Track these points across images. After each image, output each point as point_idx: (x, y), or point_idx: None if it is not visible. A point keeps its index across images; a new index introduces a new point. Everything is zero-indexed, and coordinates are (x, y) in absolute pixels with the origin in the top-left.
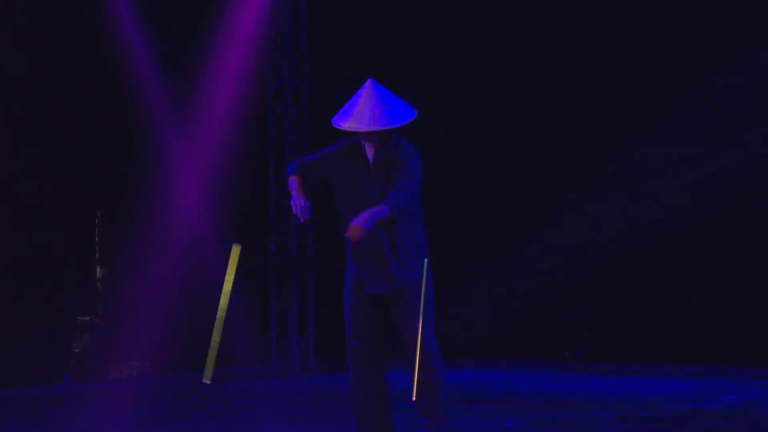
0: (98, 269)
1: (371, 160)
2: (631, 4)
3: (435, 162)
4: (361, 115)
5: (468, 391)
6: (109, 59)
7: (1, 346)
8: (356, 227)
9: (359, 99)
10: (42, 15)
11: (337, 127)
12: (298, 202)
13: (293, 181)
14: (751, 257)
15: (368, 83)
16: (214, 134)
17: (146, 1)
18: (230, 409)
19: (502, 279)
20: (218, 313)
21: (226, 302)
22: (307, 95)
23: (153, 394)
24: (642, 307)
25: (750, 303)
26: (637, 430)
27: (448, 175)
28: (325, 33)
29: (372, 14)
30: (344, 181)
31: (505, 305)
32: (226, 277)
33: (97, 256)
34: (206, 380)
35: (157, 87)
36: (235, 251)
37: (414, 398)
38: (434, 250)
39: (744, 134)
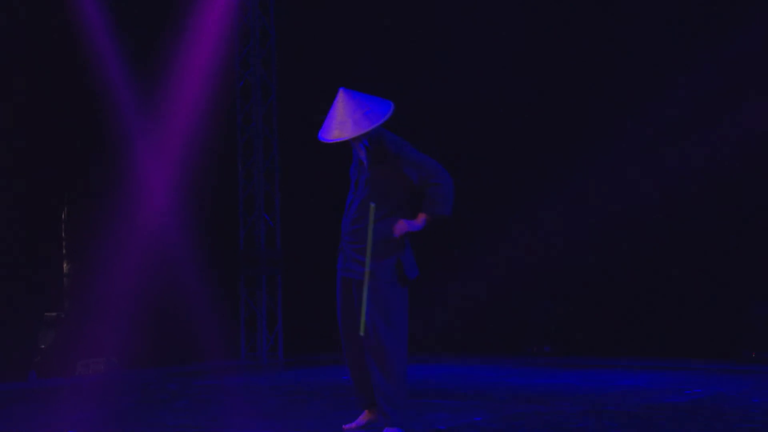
0: (65, 265)
1: (366, 164)
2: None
3: None
4: (343, 124)
5: (436, 386)
6: (75, 53)
7: None
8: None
9: (336, 110)
10: (5, 9)
11: (324, 141)
12: None
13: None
14: (719, 251)
15: (340, 93)
16: (182, 129)
17: None
18: (198, 404)
19: (469, 275)
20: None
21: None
22: (276, 91)
23: (120, 390)
24: (608, 302)
25: (716, 298)
26: (603, 423)
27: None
28: (294, 28)
29: (342, 8)
30: (353, 178)
31: (472, 301)
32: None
33: (64, 251)
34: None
35: (124, 82)
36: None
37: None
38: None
39: (710, 129)
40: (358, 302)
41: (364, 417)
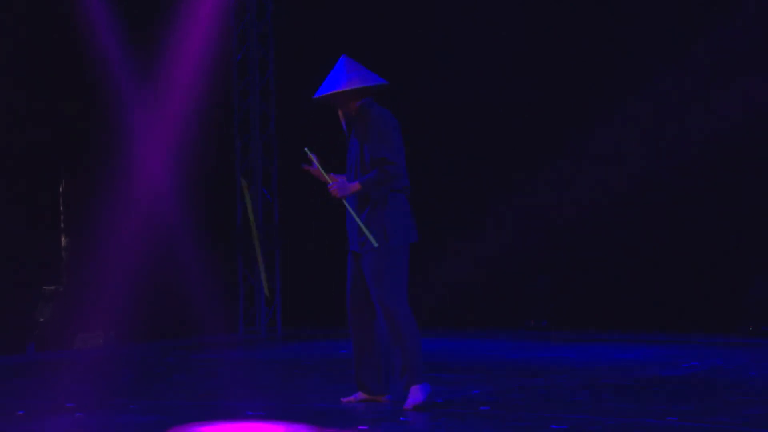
0: (63, 239)
1: (344, 128)
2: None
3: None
4: (337, 81)
5: (434, 360)
6: (73, 30)
7: None
8: (334, 190)
9: (334, 71)
10: None
11: (316, 97)
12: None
13: None
14: (718, 225)
15: (341, 58)
16: (180, 104)
17: None
18: (196, 378)
19: (467, 247)
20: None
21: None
22: (273, 65)
23: (118, 364)
24: (606, 277)
25: (714, 272)
26: (601, 397)
27: (412, 143)
28: (291, 2)
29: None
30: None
31: (469, 274)
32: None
33: (62, 225)
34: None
35: (120, 57)
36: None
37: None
38: None
39: (710, 103)
40: (368, 275)
41: (359, 396)
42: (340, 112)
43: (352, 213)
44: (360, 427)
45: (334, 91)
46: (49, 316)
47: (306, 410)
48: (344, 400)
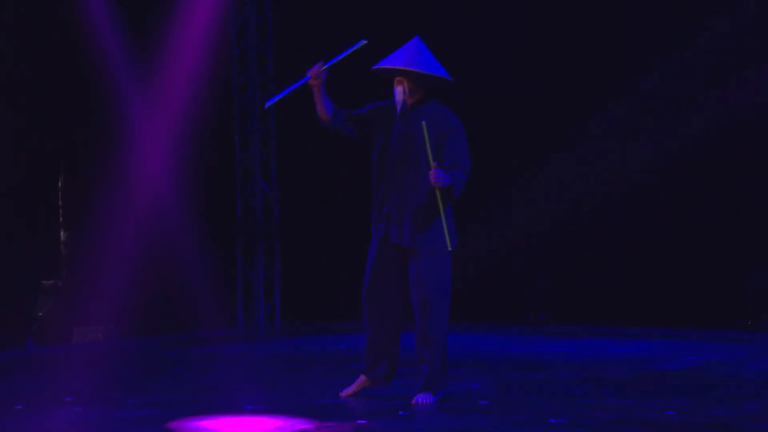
0: (62, 233)
1: (398, 109)
2: None
3: None
4: (396, 57)
5: None
6: (72, 21)
7: None
8: (437, 177)
9: (408, 49)
10: None
11: (373, 68)
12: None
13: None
14: (716, 221)
15: (415, 38)
16: (179, 97)
17: None
18: (195, 373)
19: (467, 242)
20: None
21: None
22: (273, 59)
23: (117, 359)
24: (605, 271)
25: (711, 266)
26: (599, 391)
27: None
28: None
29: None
30: (382, 136)
31: (469, 269)
32: None
33: (61, 219)
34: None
35: (119, 50)
36: None
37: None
38: None
39: (708, 100)
40: (422, 274)
41: (360, 383)
42: (403, 89)
43: (441, 207)
44: (359, 421)
45: (408, 69)
46: (48, 311)
47: (305, 404)
48: (343, 393)
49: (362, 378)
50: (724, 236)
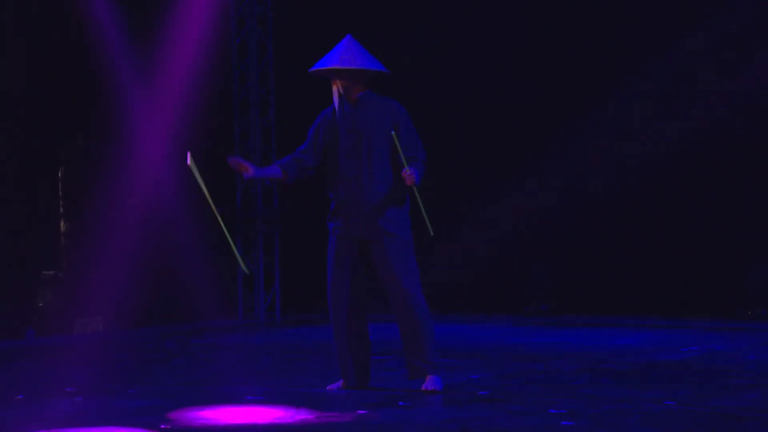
0: (62, 224)
1: (337, 108)
2: None
3: None
4: (328, 58)
5: None
6: (72, 11)
7: None
8: (412, 176)
9: (342, 46)
10: None
11: (309, 71)
12: (235, 160)
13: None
14: (717, 212)
15: (346, 37)
16: (178, 89)
17: None
18: (195, 363)
19: (466, 234)
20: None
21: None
22: (272, 49)
23: (117, 349)
24: (606, 262)
25: (711, 257)
26: (599, 381)
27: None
28: None
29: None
30: (328, 140)
31: (469, 261)
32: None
33: (61, 210)
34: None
35: (119, 42)
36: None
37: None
38: None
39: (710, 91)
40: (390, 261)
41: (342, 384)
42: (337, 90)
43: (419, 201)
44: (359, 412)
45: (341, 68)
46: (49, 302)
47: (305, 395)
48: (330, 387)
49: (342, 382)
50: (725, 227)
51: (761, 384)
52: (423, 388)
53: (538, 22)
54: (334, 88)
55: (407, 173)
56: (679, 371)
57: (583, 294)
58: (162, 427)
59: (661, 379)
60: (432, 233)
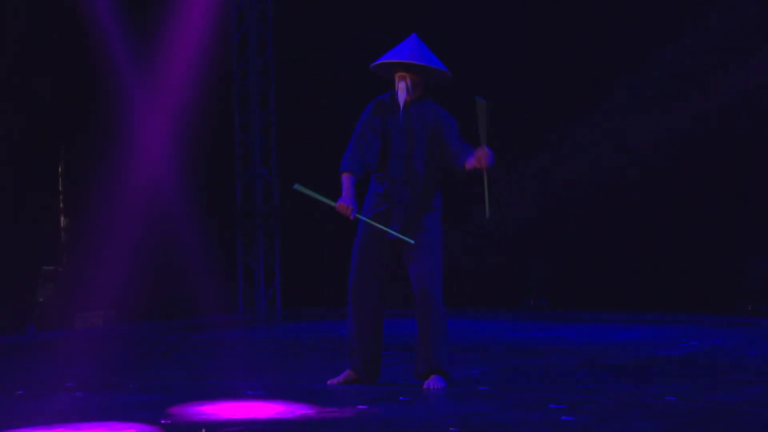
0: (62, 219)
1: (401, 105)
2: None
3: None
4: (397, 52)
5: None
6: (71, 7)
7: None
8: (485, 157)
9: (410, 43)
10: None
11: (372, 65)
12: (343, 204)
13: (345, 180)
14: (716, 206)
15: (413, 36)
16: (178, 83)
17: None
18: (196, 357)
19: (466, 229)
20: None
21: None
22: (273, 44)
23: (118, 344)
24: (605, 257)
25: (712, 252)
26: (599, 376)
27: None
28: None
29: None
30: (382, 132)
31: (469, 255)
32: None
33: (61, 205)
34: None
35: (120, 37)
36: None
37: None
38: None
39: (707, 85)
40: (420, 249)
41: (346, 376)
42: (406, 85)
43: (485, 180)
44: (359, 407)
45: (413, 63)
46: (49, 296)
47: (305, 389)
48: (329, 382)
49: (348, 372)
50: (725, 221)
51: (761, 379)
52: (425, 386)
53: (537, 21)
54: (402, 83)
55: (483, 153)
56: (679, 366)
57: (583, 289)
58: (162, 421)
59: (661, 373)
60: (488, 215)
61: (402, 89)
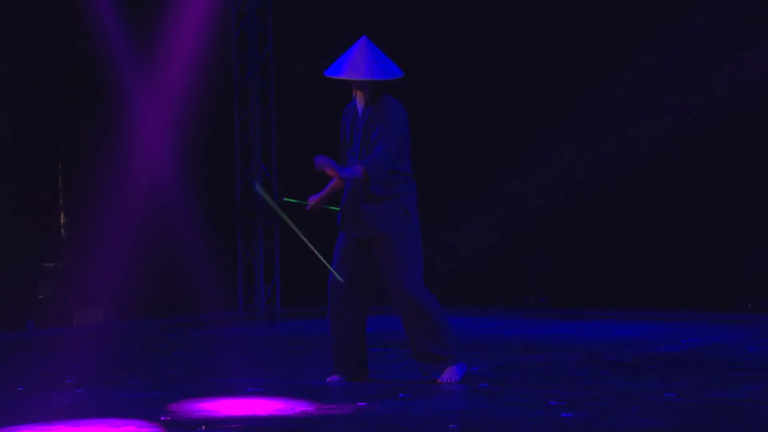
0: (62, 215)
1: (360, 114)
2: None
3: None
4: (357, 66)
5: None
6: (70, 3)
7: None
8: (328, 166)
9: (353, 53)
10: None
11: (331, 77)
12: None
13: (332, 181)
14: (715, 202)
15: (362, 39)
16: (178, 80)
17: None
18: (196, 355)
19: (465, 225)
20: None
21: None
22: (272, 41)
23: (117, 341)
24: (605, 254)
25: (711, 249)
26: (599, 373)
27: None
28: None
29: None
30: (347, 136)
31: (468, 252)
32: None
33: (61, 202)
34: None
35: (120, 33)
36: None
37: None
38: None
39: (707, 77)
40: (386, 258)
41: (337, 378)
42: (363, 96)
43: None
44: (358, 404)
45: (360, 79)
46: (49, 293)
47: (304, 387)
48: (328, 379)
49: (336, 377)
50: (724, 218)
51: (761, 376)
52: (439, 380)
53: (534, 13)
54: (360, 95)
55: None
56: (679, 363)
57: (582, 286)
58: (162, 418)
59: (660, 370)
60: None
61: (360, 99)
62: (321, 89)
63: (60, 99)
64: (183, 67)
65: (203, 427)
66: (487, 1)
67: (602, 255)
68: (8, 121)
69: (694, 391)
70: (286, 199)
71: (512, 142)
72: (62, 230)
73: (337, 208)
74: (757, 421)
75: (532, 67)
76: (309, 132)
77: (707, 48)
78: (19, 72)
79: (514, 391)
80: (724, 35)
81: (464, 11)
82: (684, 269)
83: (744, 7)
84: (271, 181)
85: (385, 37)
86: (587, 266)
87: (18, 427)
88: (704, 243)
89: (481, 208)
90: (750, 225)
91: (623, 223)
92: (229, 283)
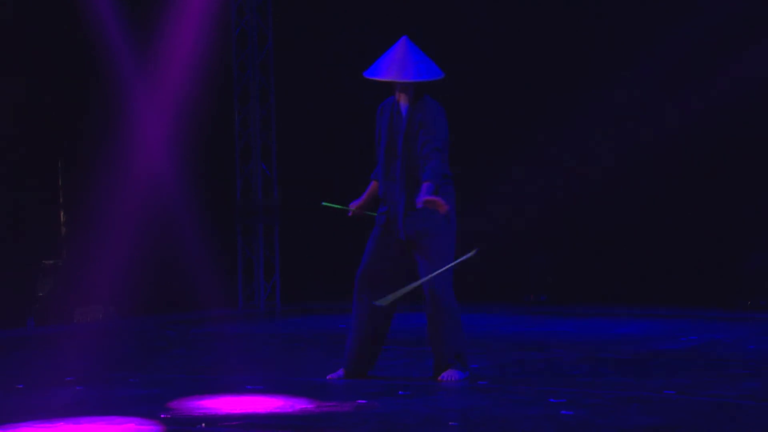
0: (62, 213)
1: (405, 115)
2: None
3: None
4: (403, 67)
5: None
6: (72, 4)
7: None
8: (438, 204)
9: (394, 54)
10: None
11: (375, 78)
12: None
13: (370, 185)
14: (716, 201)
15: (403, 39)
16: (178, 78)
17: None
18: (195, 352)
19: (465, 223)
20: None
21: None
22: (272, 39)
23: (118, 338)
24: (605, 252)
25: (712, 247)
26: (599, 370)
27: None
28: None
29: None
30: (385, 136)
31: (468, 249)
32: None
33: (61, 200)
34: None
35: (119, 31)
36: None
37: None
38: None
39: (708, 78)
40: (426, 259)
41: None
42: (401, 96)
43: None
44: (358, 401)
45: (408, 81)
46: (49, 291)
47: (305, 384)
48: (329, 377)
49: (342, 372)
50: (724, 216)
51: (761, 373)
52: (439, 378)
53: (534, 13)
54: (404, 95)
55: (437, 202)
56: (679, 360)
57: (582, 283)
58: (162, 416)
59: (660, 368)
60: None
61: (404, 100)
62: (321, 87)
63: (60, 97)
64: (183, 66)
65: (203, 424)
66: (487, 1)
67: (603, 253)
68: (8, 119)
69: (694, 389)
70: (325, 203)
71: (512, 142)
72: (62, 228)
73: (375, 214)
74: (757, 419)
75: (532, 67)
76: (309, 131)
77: (707, 48)
78: (19, 71)
79: (515, 389)
80: (724, 35)
81: (464, 11)
82: (684, 267)
83: (744, 7)
84: (270, 180)
85: (385, 37)
86: (587, 264)
87: (18, 425)
88: (705, 241)
89: (481, 206)
90: (750, 223)
91: (624, 221)
92: (229, 281)
